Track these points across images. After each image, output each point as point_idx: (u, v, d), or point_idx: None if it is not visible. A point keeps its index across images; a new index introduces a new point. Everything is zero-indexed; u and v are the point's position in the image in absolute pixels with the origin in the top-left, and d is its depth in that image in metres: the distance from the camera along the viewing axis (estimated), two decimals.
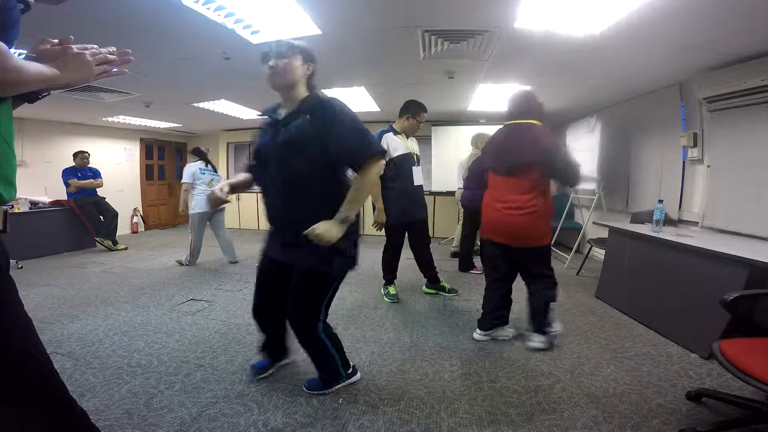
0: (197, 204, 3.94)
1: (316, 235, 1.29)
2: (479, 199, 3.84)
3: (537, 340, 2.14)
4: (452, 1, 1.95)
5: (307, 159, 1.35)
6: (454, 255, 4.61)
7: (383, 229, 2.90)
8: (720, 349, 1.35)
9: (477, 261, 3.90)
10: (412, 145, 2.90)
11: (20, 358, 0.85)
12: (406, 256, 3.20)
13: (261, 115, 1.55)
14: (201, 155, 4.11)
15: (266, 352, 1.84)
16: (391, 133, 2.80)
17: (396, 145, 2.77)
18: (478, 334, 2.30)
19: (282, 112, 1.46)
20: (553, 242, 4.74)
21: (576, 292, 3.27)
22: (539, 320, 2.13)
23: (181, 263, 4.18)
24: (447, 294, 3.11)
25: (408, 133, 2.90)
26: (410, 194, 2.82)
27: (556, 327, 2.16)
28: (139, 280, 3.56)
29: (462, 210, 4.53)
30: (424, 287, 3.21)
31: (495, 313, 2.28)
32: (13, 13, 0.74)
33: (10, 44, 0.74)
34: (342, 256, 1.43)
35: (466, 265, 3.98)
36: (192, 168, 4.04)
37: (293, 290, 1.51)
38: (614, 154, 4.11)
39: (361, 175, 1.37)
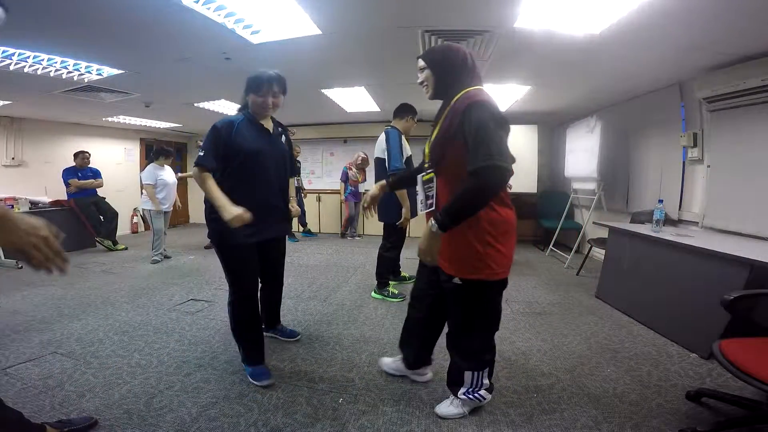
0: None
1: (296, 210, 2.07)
2: None
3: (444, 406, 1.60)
4: (452, 2, 1.95)
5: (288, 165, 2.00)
6: None
7: (386, 228, 2.98)
8: (720, 349, 1.34)
9: None
10: None
11: None
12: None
13: (230, 121, 1.77)
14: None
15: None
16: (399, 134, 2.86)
17: (406, 146, 2.86)
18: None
19: (254, 124, 1.83)
20: (552, 243, 4.80)
21: (576, 292, 3.27)
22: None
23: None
24: (393, 299, 3.01)
25: (407, 134, 2.95)
26: (414, 193, 2.94)
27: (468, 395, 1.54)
28: (139, 280, 3.56)
29: None
30: (373, 292, 3.15)
31: None
32: None
33: None
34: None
35: None
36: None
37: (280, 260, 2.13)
38: (614, 154, 4.10)
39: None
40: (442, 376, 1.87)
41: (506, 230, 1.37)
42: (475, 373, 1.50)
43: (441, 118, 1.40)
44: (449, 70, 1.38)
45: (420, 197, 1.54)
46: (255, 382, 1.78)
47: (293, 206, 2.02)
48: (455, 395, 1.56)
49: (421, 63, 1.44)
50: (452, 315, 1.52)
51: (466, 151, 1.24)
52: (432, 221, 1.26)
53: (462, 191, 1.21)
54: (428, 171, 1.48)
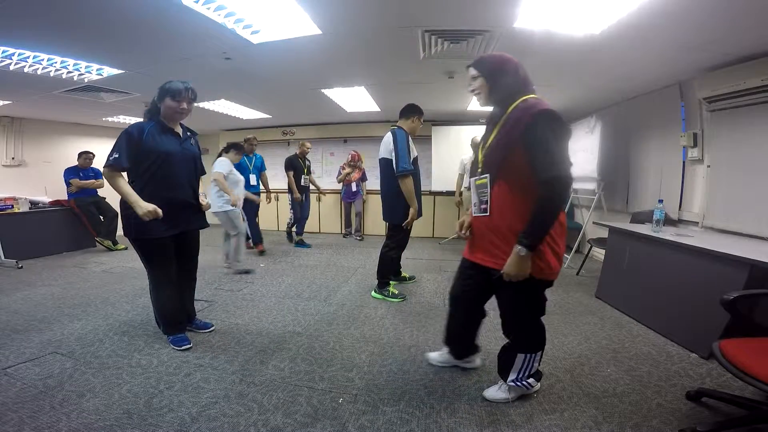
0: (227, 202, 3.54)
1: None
2: None
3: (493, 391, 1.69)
4: (452, 1, 1.95)
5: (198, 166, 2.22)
6: None
7: (390, 228, 2.98)
8: (720, 349, 1.35)
9: None
10: None
11: None
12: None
13: (143, 128, 1.96)
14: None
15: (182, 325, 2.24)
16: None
17: (413, 147, 2.84)
18: None
19: (165, 129, 2.02)
20: None
21: (576, 292, 3.27)
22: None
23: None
24: (393, 299, 2.98)
25: (413, 135, 2.91)
26: (420, 193, 2.97)
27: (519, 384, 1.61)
28: (139, 280, 3.55)
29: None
30: (373, 292, 3.11)
31: None
32: None
33: None
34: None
35: None
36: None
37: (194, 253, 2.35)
38: (614, 154, 4.10)
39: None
40: (442, 375, 1.88)
41: (562, 232, 1.46)
42: (528, 355, 1.57)
43: (498, 124, 1.45)
44: (504, 79, 1.46)
45: (474, 200, 1.58)
46: (176, 347, 2.09)
47: (202, 200, 2.21)
48: (505, 381, 1.65)
49: (474, 72, 1.51)
50: (508, 305, 1.57)
51: (525, 157, 1.33)
52: (518, 247, 1.33)
53: (536, 210, 1.31)
54: (482, 176, 1.51)
